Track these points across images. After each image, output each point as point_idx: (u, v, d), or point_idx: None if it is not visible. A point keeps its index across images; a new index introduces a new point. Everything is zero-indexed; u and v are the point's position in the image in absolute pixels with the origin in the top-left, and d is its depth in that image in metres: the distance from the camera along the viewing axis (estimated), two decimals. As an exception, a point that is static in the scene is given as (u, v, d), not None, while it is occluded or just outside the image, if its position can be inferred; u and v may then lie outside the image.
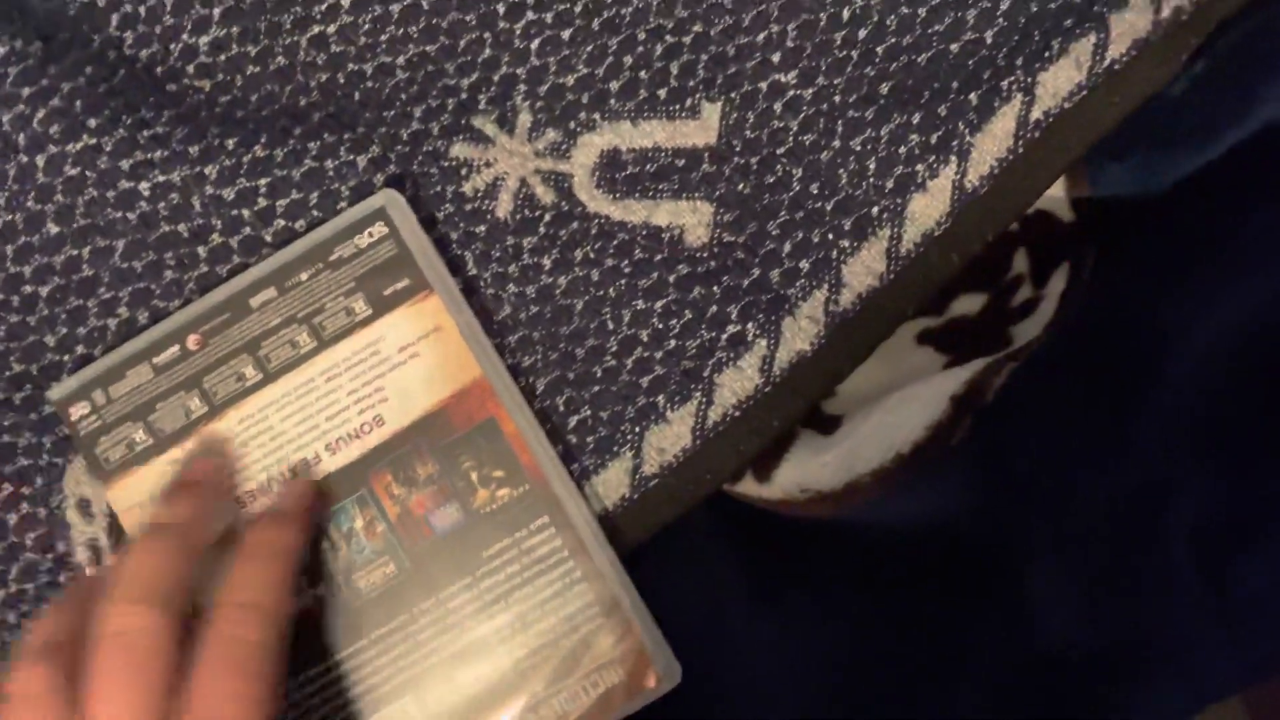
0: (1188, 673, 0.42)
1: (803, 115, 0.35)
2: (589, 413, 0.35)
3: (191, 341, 0.33)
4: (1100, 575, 0.42)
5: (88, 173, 0.34)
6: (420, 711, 0.32)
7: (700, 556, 0.41)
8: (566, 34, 0.35)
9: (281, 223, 0.35)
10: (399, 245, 0.34)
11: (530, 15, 0.35)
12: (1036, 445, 0.41)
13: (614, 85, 0.35)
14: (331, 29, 0.35)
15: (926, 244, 0.34)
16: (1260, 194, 0.38)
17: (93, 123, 0.34)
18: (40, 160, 0.34)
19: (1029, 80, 0.34)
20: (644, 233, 0.35)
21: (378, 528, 0.33)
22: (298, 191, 0.35)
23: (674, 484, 0.34)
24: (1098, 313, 0.39)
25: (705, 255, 0.35)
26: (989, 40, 0.34)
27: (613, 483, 0.34)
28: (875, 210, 0.34)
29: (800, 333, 0.34)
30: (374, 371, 0.33)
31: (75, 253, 0.35)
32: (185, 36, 0.35)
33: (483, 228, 0.35)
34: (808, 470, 0.38)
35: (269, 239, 0.35)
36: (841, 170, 0.34)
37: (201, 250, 0.35)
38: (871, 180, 0.34)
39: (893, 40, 0.34)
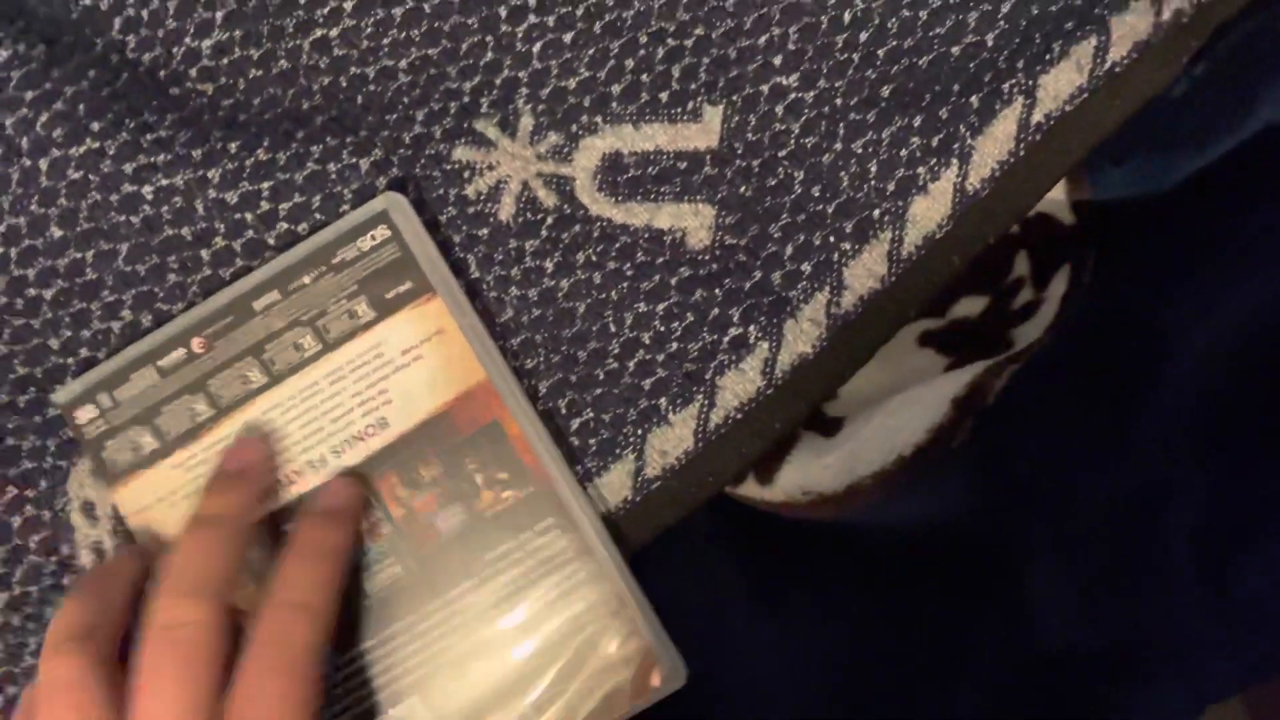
0: (1188, 673, 0.43)
1: (804, 118, 0.35)
2: (591, 415, 0.35)
3: (196, 345, 0.34)
4: (1100, 576, 0.43)
5: (91, 176, 0.34)
6: (428, 712, 0.32)
7: (701, 558, 0.41)
8: (568, 37, 0.35)
9: (284, 226, 0.35)
10: (402, 248, 0.34)
11: (532, 19, 0.35)
12: (1037, 447, 0.41)
13: (616, 88, 0.35)
14: (334, 32, 0.35)
15: (928, 246, 0.34)
16: (1260, 195, 0.38)
17: (96, 126, 0.35)
18: (43, 164, 0.34)
19: (1030, 83, 0.34)
20: (646, 236, 0.35)
21: (383, 530, 0.33)
22: (300, 195, 0.35)
23: (676, 486, 0.34)
24: (1098, 315, 0.39)
25: (707, 258, 0.35)
26: (990, 43, 0.34)
27: (615, 485, 0.35)
28: (877, 213, 0.34)
29: (802, 335, 0.34)
30: (378, 374, 0.33)
31: (79, 256, 0.35)
32: (188, 40, 0.35)
33: (485, 231, 0.35)
34: (809, 472, 0.38)
35: (272, 242, 0.35)
36: (843, 173, 0.34)
37: (204, 254, 0.35)
38: (873, 183, 0.34)
39: (894, 43, 0.34)
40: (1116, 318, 0.40)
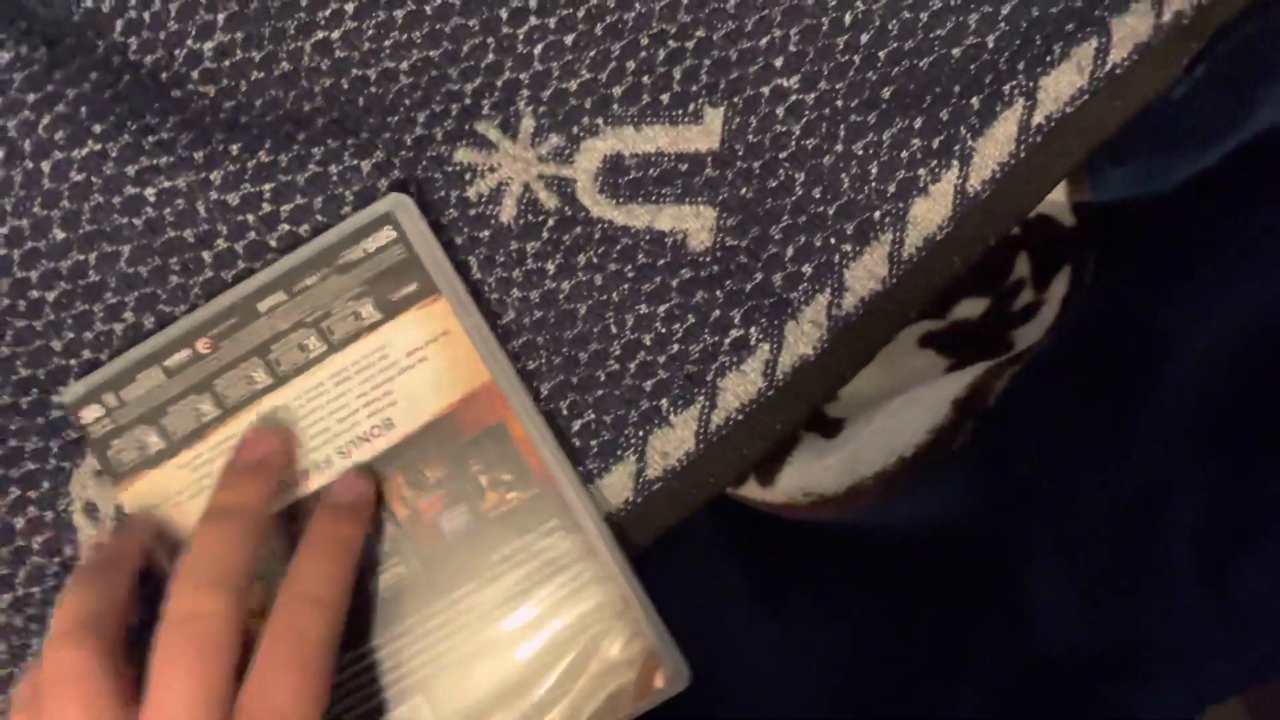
0: (1188, 674, 0.43)
1: (805, 120, 0.35)
2: (593, 417, 0.35)
3: (202, 345, 0.34)
4: (1101, 577, 0.43)
5: (93, 178, 0.35)
6: (432, 711, 0.32)
7: (702, 559, 0.41)
8: (569, 39, 0.35)
9: (286, 228, 0.35)
10: (407, 249, 0.34)
11: (533, 20, 0.35)
12: (1037, 448, 0.41)
13: (617, 90, 0.35)
14: (335, 34, 0.35)
15: (928, 248, 0.34)
16: (1260, 197, 0.38)
17: (98, 128, 0.35)
18: (46, 166, 0.35)
19: (1031, 85, 0.34)
20: (647, 237, 0.35)
21: (388, 530, 0.33)
22: (302, 197, 0.35)
23: (677, 487, 0.35)
24: (1099, 316, 0.39)
25: (708, 260, 0.35)
26: (990, 45, 0.34)
27: (616, 486, 0.35)
28: (877, 214, 0.34)
29: (803, 337, 0.34)
30: (383, 375, 0.33)
31: (81, 258, 0.35)
32: (190, 42, 0.35)
33: (486, 233, 0.35)
34: (810, 473, 0.38)
35: (274, 244, 0.35)
36: (844, 175, 0.35)
37: (207, 255, 0.35)
38: (874, 185, 0.34)
39: (894, 45, 0.35)
40: (1117, 319, 0.40)
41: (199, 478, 0.33)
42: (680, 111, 0.35)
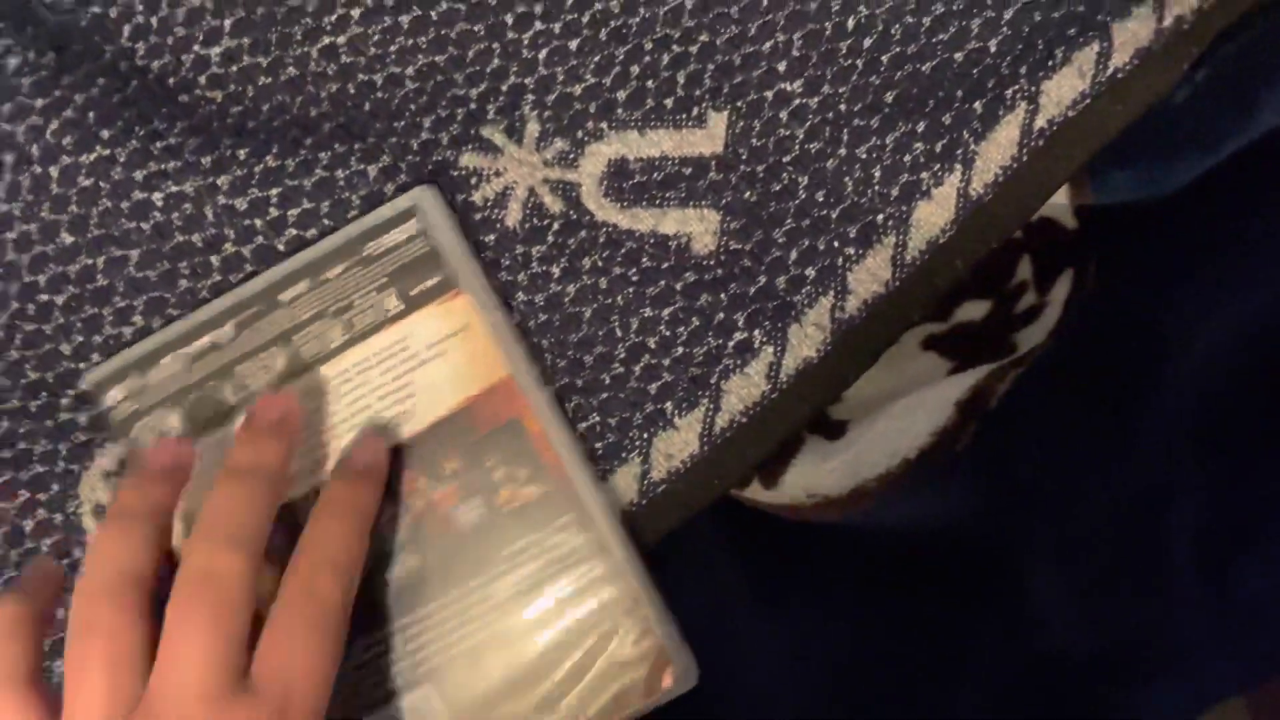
0: (1189, 673, 0.43)
1: (808, 124, 0.35)
2: (597, 419, 0.35)
3: (225, 332, 0.34)
4: (1102, 578, 0.43)
5: (101, 183, 0.35)
6: (441, 701, 0.33)
7: (705, 560, 0.41)
8: (574, 44, 0.35)
9: (293, 232, 0.35)
10: (430, 243, 0.34)
11: (538, 25, 0.36)
12: (1039, 450, 0.41)
13: (621, 95, 0.35)
14: (342, 40, 0.36)
15: (931, 251, 0.34)
16: (1261, 200, 0.39)
17: (106, 134, 0.35)
18: (54, 171, 0.35)
19: (1033, 89, 0.34)
20: (651, 241, 0.35)
21: (403, 521, 0.33)
22: (309, 201, 0.35)
23: (682, 490, 0.35)
24: (1100, 319, 0.39)
25: (712, 263, 0.35)
26: (993, 49, 0.34)
27: (621, 489, 0.35)
28: (880, 218, 0.35)
29: (806, 339, 0.35)
30: (403, 367, 0.34)
31: (90, 262, 0.35)
32: (197, 48, 0.36)
33: (492, 237, 0.35)
34: (814, 475, 0.38)
35: (281, 248, 0.35)
36: (847, 178, 0.35)
37: (215, 259, 0.35)
38: (877, 188, 0.35)
39: (897, 49, 0.35)
40: (1118, 321, 0.40)
41: (218, 463, 0.33)
42: (684, 115, 0.35)
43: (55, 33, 0.36)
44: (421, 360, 0.34)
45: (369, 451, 0.33)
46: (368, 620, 0.33)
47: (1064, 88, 0.34)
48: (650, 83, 0.35)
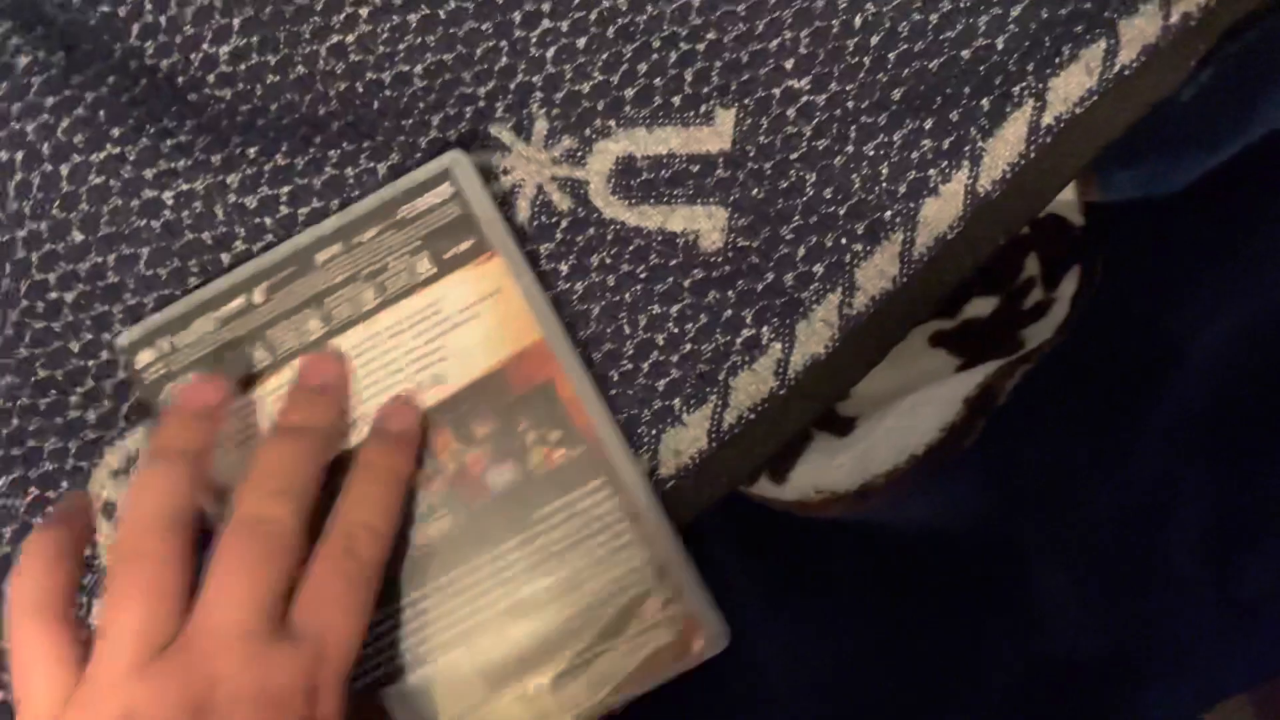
0: (1194, 672, 0.43)
1: (816, 121, 0.35)
2: (606, 416, 0.35)
3: (257, 294, 0.34)
4: (1108, 577, 0.43)
5: (112, 182, 0.35)
6: (472, 663, 0.33)
7: (711, 559, 0.41)
8: (582, 42, 0.36)
9: (303, 230, 0.35)
10: (463, 207, 0.34)
11: (546, 23, 0.36)
12: (1045, 448, 0.41)
13: (629, 92, 0.36)
14: (350, 38, 0.36)
15: (939, 248, 0.34)
16: (1268, 199, 0.39)
17: (116, 132, 0.35)
18: (64, 169, 0.35)
19: (1040, 86, 0.34)
20: (659, 238, 0.35)
21: (435, 484, 0.33)
22: (318, 199, 0.35)
23: (690, 486, 0.35)
24: (1108, 316, 0.39)
25: (720, 260, 0.35)
26: (1000, 46, 0.34)
27: (630, 485, 0.35)
28: (888, 214, 0.35)
29: (814, 336, 0.35)
30: (435, 330, 0.34)
31: (100, 260, 0.35)
32: (206, 46, 0.36)
33: (501, 234, 0.35)
34: (822, 472, 0.38)
35: (290, 246, 0.35)
36: (854, 175, 0.35)
37: (225, 257, 0.35)
38: (884, 185, 0.35)
39: (905, 47, 0.35)
40: (1126, 319, 0.40)
41: (247, 425, 0.34)
42: (692, 113, 0.35)
43: (65, 32, 0.36)
44: (454, 324, 0.34)
45: (404, 418, 0.33)
46: (400, 584, 0.33)
47: (1071, 85, 0.34)
48: (658, 80, 0.35)
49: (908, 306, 0.35)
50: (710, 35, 0.35)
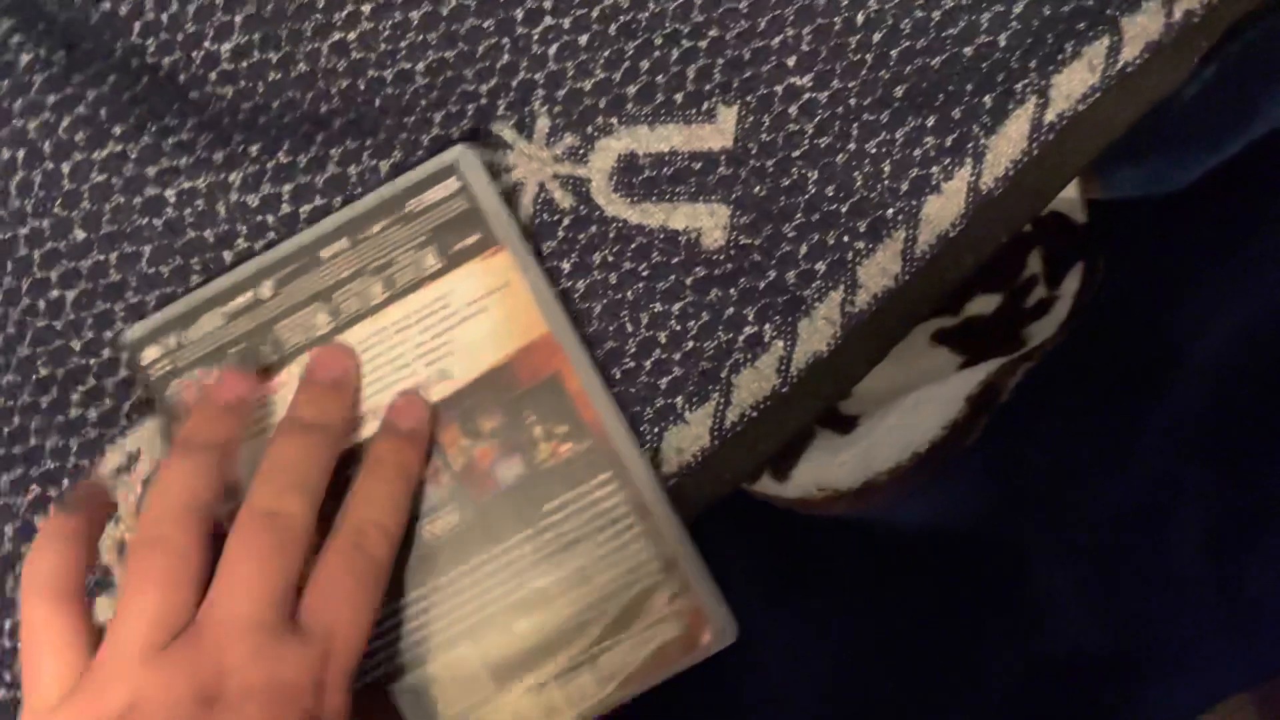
0: (1195, 671, 0.43)
1: (818, 118, 0.35)
2: (608, 414, 0.35)
3: (264, 290, 0.34)
4: (1109, 576, 0.43)
5: (113, 180, 0.35)
6: (479, 658, 0.33)
7: (712, 558, 0.41)
8: (583, 39, 0.36)
9: (305, 228, 0.35)
10: (470, 201, 0.34)
11: (548, 21, 0.36)
12: (1048, 446, 0.41)
13: (631, 90, 0.36)
14: (352, 36, 0.36)
15: (941, 245, 0.34)
16: (1269, 199, 0.39)
17: (117, 130, 0.35)
18: (66, 167, 0.35)
19: (1043, 83, 0.34)
20: (661, 236, 0.35)
21: (443, 478, 0.33)
22: (320, 197, 0.35)
23: (692, 484, 0.35)
24: (1110, 314, 0.39)
25: (722, 258, 0.35)
26: (1002, 43, 0.34)
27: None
28: (890, 212, 0.35)
29: (817, 334, 0.35)
30: (442, 325, 0.34)
31: (102, 258, 0.35)
32: (207, 44, 0.36)
33: (503, 231, 0.35)
34: (825, 469, 0.38)
35: (292, 244, 0.35)
36: (857, 173, 0.35)
37: (227, 255, 0.35)
38: (886, 183, 0.35)
39: (907, 44, 0.35)
40: (1128, 318, 0.40)
41: (257, 419, 0.34)
42: (694, 110, 0.35)
43: (66, 29, 0.36)
44: (461, 317, 0.34)
45: (415, 414, 0.33)
46: (408, 578, 0.33)
47: (1074, 82, 0.34)
48: (660, 78, 0.35)
49: (910, 304, 0.34)
50: (712, 32, 0.35)
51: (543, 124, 0.36)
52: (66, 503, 0.31)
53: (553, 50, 0.36)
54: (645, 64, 0.35)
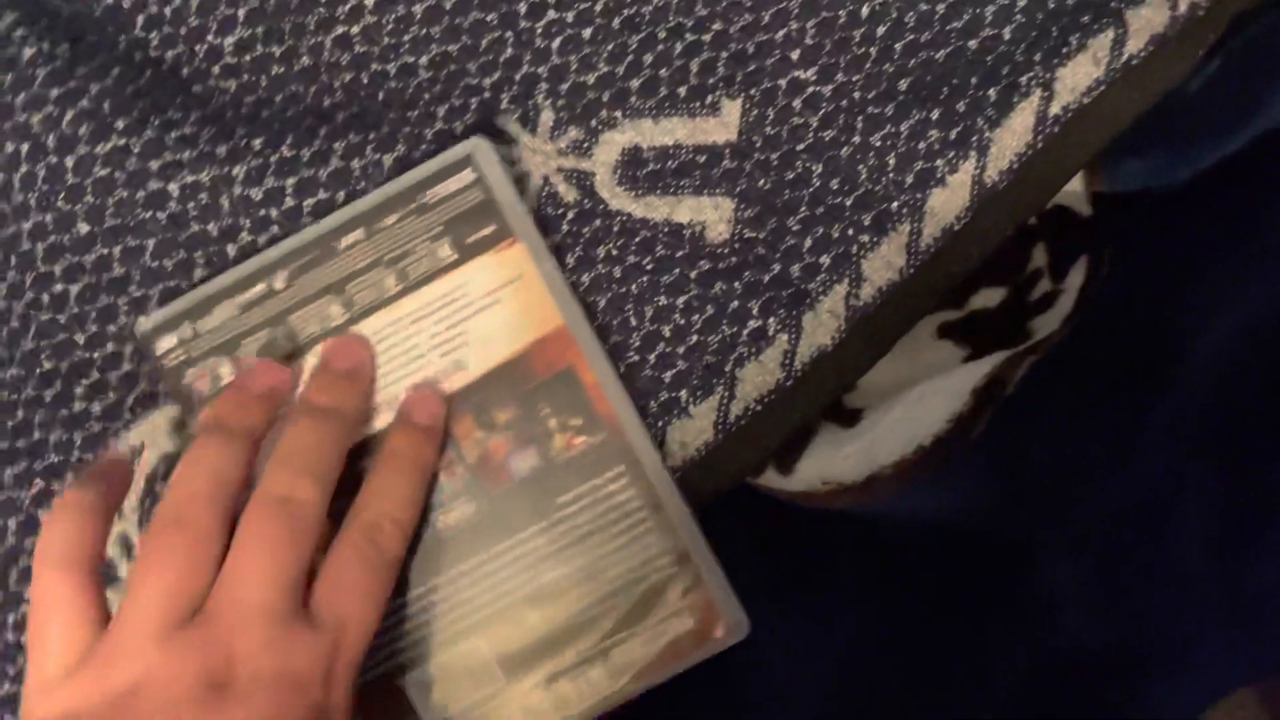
0: (1200, 666, 0.43)
1: (822, 112, 0.35)
2: (613, 407, 0.35)
3: (279, 280, 0.34)
4: (1113, 571, 0.43)
5: (117, 173, 0.35)
6: (492, 650, 0.33)
7: (719, 549, 0.41)
8: (587, 33, 0.36)
9: (309, 221, 0.35)
10: (486, 192, 0.34)
11: (551, 14, 0.36)
12: (1052, 440, 0.41)
13: (635, 83, 0.35)
14: (355, 29, 0.36)
15: (946, 238, 0.34)
16: (1274, 192, 0.38)
17: (121, 124, 0.35)
18: (69, 161, 0.35)
19: (1048, 76, 0.34)
20: (665, 229, 0.35)
21: (457, 470, 0.33)
22: (324, 191, 0.35)
23: (697, 478, 0.35)
24: (1115, 308, 0.39)
25: (726, 251, 0.35)
26: (1007, 36, 0.34)
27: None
28: (895, 205, 0.35)
29: (821, 327, 0.35)
30: (457, 316, 0.34)
31: (105, 252, 0.35)
32: (210, 37, 0.36)
33: (507, 225, 0.35)
34: (829, 462, 0.38)
35: (296, 238, 0.35)
36: (861, 166, 0.35)
37: (230, 249, 0.35)
38: (891, 176, 0.35)
39: (911, 37, 0.35)
40: (1132, 311, 0.40)
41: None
42: (698, 104, 0.35)
43: (69, 23, 0.36)
44: (476, 309, 0.34)
45: (430, 408, 0.33)
46: (421, 570, 0.33)
47: (1079, 74, 0.34)
48: (664, 71, 0.35)
49: (915, 298, 0.34)
50: (716, 26, 0.35)
51: (547, 117, 0.36)
52: (85, 476, 0.31)
53: (556, 44, 0.36)
54: (649, 57, 0.35)
